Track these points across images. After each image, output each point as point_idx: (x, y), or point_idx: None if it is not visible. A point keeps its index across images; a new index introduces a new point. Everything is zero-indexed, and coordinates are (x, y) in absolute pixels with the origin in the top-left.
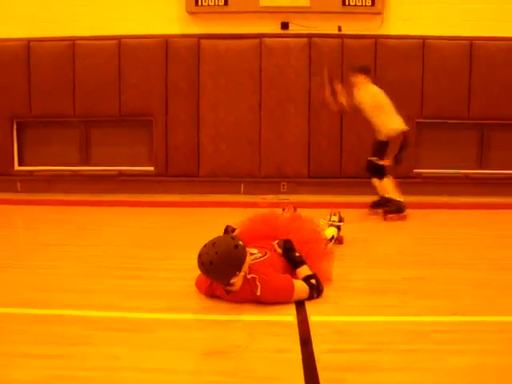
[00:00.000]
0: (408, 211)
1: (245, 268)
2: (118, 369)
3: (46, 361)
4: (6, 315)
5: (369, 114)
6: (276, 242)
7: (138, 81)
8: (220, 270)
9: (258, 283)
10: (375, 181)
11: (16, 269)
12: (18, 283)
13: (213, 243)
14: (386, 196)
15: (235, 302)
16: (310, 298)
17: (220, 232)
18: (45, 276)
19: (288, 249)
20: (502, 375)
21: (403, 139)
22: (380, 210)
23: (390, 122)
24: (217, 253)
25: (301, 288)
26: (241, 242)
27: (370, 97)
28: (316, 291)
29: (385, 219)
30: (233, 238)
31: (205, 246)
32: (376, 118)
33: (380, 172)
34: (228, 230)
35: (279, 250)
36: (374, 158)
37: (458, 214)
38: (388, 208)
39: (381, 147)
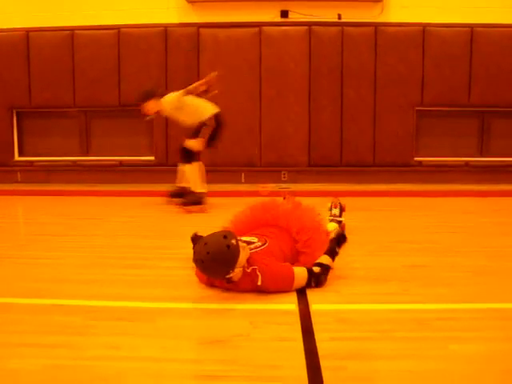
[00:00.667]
0: (411, 199)
1: (240, 264)
2: (119, 358)
3: (46, 350)
4: (6, 305)
5: (180, 116)
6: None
7: (138, 70)
8: (212, 269)
9: (258, 273)
10: (184, 167)
11: (16, 259)
12: (18, 274)
13: (205, 243)
14: (186, 185)
15: (236, 292)
16: (308, 285)
17: (220, 222)
18: (45, 266)
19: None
20: (505, 362)
21: (216, 122)
22: (178, 200)
23: (198, 111)
24: (208, 253)
25: (301, 275)
26: (234, 241)
27: (170, 104)
28: (315, 280)
29: (184, 211)
30: (225, 237)
31: (198, 243)
32: (186, 114)
33: (189, 156)
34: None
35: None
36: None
37: (459, 202)
38: (185, 199)
39: (195, 131)
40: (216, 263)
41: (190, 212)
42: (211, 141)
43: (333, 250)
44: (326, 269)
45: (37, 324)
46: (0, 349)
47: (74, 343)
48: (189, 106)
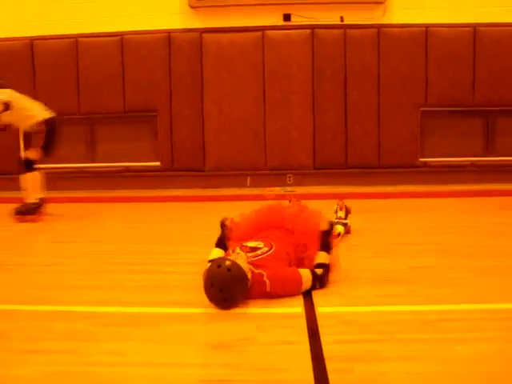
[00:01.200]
0: (416, 200)
1: (247, 270)
2: (123, 364)
3: (49, 357)
4: (9, 312)
5: (9, 119)
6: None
7: (142, 77)
8: (238, 296)
9: (266, 279)
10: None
11: (20, 266)
12: (21, 281)
13: (211, 284)
14: (24, 193)
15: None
16: (313, 287)
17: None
18: (48, 273)
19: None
20: (510, 363)
21: (48, 128)
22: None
23: (27, 115)
24: (221, 290)
25: (307, 278)
26: (227, 262)
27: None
28: (318, 282)
29: (17, 220)
30: (219, 266)
31: (205, 289)
32: (15, 118)
33: (26, 165)
34: (223, 224)
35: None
36: (25, 152)
37: (465, 202)
38: (19, 208)
39: (26, 139)
40: (235, 290)
41: (23, 221)
42: (45, 148)
43: (326, 244)
44: (327, 268)
45: (40, 330)
46: (4, 356)
47: (78, 349)
48: (18, 110)
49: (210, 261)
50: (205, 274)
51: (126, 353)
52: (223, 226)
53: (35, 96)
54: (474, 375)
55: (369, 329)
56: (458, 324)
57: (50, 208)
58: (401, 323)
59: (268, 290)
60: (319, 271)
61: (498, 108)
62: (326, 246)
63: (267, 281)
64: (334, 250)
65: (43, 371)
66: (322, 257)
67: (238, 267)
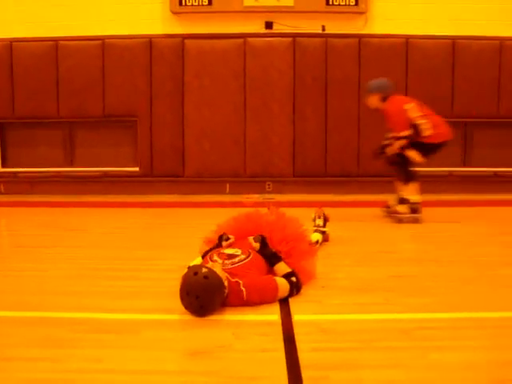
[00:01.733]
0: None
1: (224, 278)
2: (102, 371)
3: (29, 364)
4: None
5: None
6: (252, 237)
7: (122, 81)
8: (213, 304)
9: (242, 288)
10: None
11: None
12: (2, 286)
13: (187, 293)
14: None
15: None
16: (290, 295)
17: (204, 232)
18: (29, 278)
19: (264, 244)
20: (486, 371)
21: None
22: None
23: None
24: (198, 297)
25: (283, 287)
26: (204, 269)
27: None
28: (296, 288)
29: None
30: (196, 273)
31: (181, 297)
32: None
33: None
34: (222, 239)
35: (255, 245)
36: None
37: (443, 212)
38: None
39: None
40: (212, 298)
41: None
42: None
43: (272, 256)
44: (296, 275)
45: (20, 337)
46: None
47: (58, 356)
48: None
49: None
50: (181, 281)
51: (105, 359)
52: (221, 239)
53: (13, 98)
54: (449, 383)
55: (346, 337)
56: (435, 332)
57: (28, 213)
58: (378, 331)
59: (245, 298)
60: (293, 279)
61: (475, 120)
62: (274, 257)
63: (244, 289)
64: (311, 258)
65: (23, 378)
66: (282, 268)
67: (215, 275)
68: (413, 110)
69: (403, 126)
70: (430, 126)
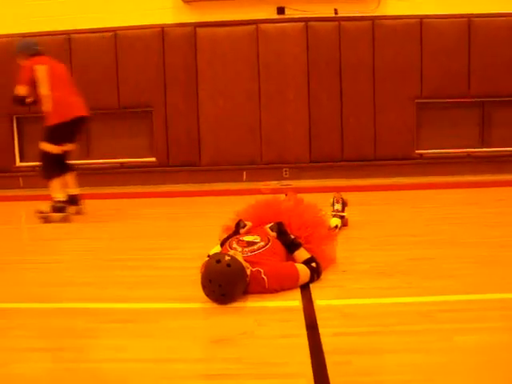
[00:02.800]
0: (413, 192)
1: (246, 266)
2: (123, 360)
3: (51, 354)
4: (9, 310)
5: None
6: (268, 225)
7: (136, 72)
8: (236, 292)
9: (263, 276)
10: None
11: (19, 264)
12: (21, 279)
13: (209, 280)
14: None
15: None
16: (311, 281)
17: (223, 220)
18: (47, 270)
19: (282, 232)
20: (510, 352)
21: None
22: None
23: None
24: (220, 286)
25: (304, 272)
26: (227, 257)
27: None
28: (316, 274)
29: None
30: (218, 261)
31: (202, 284)
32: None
33: None
34: (239, 226)
35: (273, 234)
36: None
37: (461, 193)
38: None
39: None
40: (234, 286)
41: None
42: None
43: (291, 243)
44: (316, 261)
45: (40, 328)
46: (4, 354)
47: (79, 346)
48: None
49: (209, 256)
50: (202, 269)
51: (126, 349)
52: (238, 226)
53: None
54: (474, 366)
55: (367, 321)
56: (456, 315)
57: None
58: (399, 315)
59: (266, 286)
60: (313, 264)
61: (493, 99)
62: (293, 244)
63: (265, 278)
64: (330, 243)
65: (45, 369)
66: (301, 254)
67: (238, 263)
68: (42, 73)
69: (22, 83)
70: (50, 102)
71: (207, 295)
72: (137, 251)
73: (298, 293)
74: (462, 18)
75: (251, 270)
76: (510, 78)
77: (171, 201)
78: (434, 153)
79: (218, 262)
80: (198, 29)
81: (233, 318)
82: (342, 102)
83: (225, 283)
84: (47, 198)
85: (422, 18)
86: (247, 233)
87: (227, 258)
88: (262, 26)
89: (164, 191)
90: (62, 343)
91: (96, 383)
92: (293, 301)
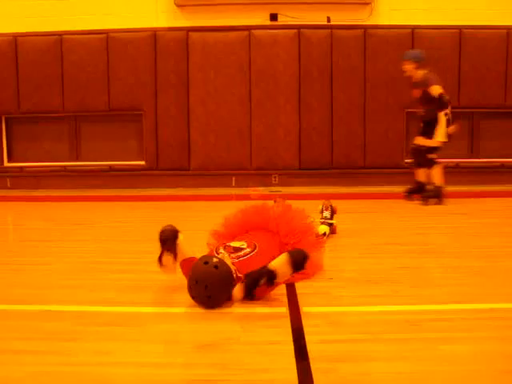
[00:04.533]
0: (402, 201)
1: (233, 270)
2: (108, 364)
3: (34, 357)
4: None
5: None
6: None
7: (127, 75)
8: (222, 295)
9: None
10: None
11: (4, 265)
12: (7, 280)
13: (195, 281)
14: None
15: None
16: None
17: (211, 225)
18: (34, 272)
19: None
20: (496, 362)
21: None
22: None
23: None
24: (206, 287)
25: (282, 274)
26: (214, 259)
27: None
28: (295, 264)
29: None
30: (206, 262)
31: (189, 286)
32: None
33: None
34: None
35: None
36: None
37: (450, 203)
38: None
39: None
40: (220, 288)
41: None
42: None
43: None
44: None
45: (25, 330)
46: None
47: (63, 349)
48: None
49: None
50: (184, 271)
51: (112, 353)
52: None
53: (19, 93)
54: (460, 375)
55: (354, 329)
56: (444, 324)
57: (33, 207)
58: (387, 323)
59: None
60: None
61: (482, 110)
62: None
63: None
64: (318, 250)
65: (28, 372)
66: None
67: (226, 266)
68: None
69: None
70: None
71: (193, 297)
72: (124, 254)
73: (284, 299)
74: (453, 29)
75: (237, 275)
76: (500, 89)
77: (159, 204)
78: None
79: (206, 263)
80: (190, 33)
81: (218, 324)
82: (333, 109)
83: (211, 285)
84: (32, 199)
85: (413, 28)
86: (235, 239)
87: (215, 259)
88: (255, 31)
89: (152, 195)
90: (47, 346)
91: None
92: (279, 307)
